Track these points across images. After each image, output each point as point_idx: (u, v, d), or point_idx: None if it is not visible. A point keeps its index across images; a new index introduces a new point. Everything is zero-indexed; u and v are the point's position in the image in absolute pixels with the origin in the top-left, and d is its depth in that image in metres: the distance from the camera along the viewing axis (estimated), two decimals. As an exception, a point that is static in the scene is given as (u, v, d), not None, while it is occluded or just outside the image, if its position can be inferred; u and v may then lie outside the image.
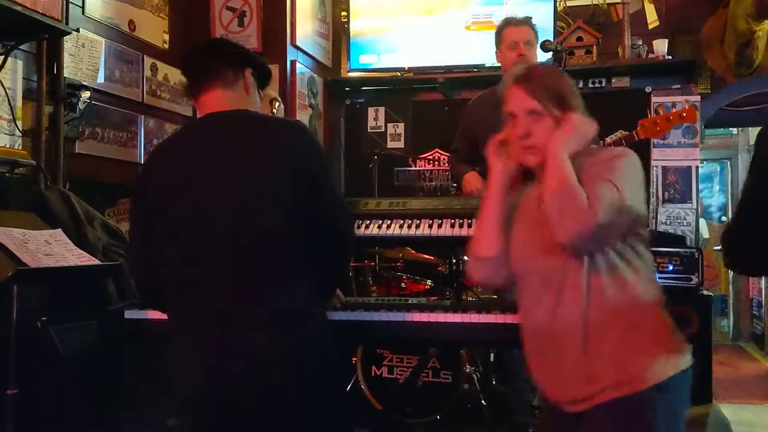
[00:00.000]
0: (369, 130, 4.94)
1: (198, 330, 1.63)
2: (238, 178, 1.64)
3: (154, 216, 1.68)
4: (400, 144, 4.90)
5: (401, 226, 2.55)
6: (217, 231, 1.62)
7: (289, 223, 1.64)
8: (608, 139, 2.90)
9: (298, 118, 4.10)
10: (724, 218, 7.63)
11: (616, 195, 1.48)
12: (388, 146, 4.86)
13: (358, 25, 4.77)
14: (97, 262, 2.51)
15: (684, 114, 2.88)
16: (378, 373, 3.26)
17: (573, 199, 1.47)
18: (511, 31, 3.07)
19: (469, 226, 2.47)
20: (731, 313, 7.54)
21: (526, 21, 3.10)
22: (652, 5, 4.39)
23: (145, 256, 1.74)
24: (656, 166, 4.40)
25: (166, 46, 3.83)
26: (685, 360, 1.56)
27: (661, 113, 2.90)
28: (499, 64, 3.22)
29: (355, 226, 2.43)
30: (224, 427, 1.60)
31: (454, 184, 3.26)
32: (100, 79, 3.24)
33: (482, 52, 4.34)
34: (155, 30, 3.76)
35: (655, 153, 4.39)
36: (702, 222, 6.43)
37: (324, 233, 1.71)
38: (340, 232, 1.78)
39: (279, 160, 1.66)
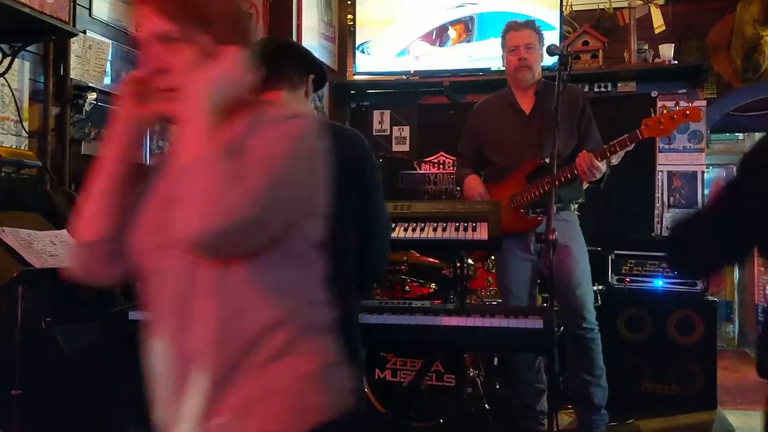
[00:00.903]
0: (374, 133, 4.94)
1: None
2: None
3: None
4: (405, 147, 4.89)
5: (406, 230, 2.56)
6: None
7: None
8: (613, 142, 2.89)
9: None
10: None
11: (283, 179, 1.05)
12: (393, 149, 4.86)
13: (363, 28, 4.77)
14: (101, 263, 2.50)
15: (688, 112, 2.86)
16: (381, 376, 3.26)
17: (215, 179, 0.98)
18: (512, 36, 3.08)
19: (474, 229, 2.47)
20: (736, 319, 7.50)
21: (528, 24, 3.11)
22: (659, 10, 4.39)
23: None
24: (662, 171, 4.40)
25: (173, 48, 3.84)
26: (340, 404, 1.13)
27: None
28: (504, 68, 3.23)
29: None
30: None
31: (458, 188, 3.27)
32: (107, 80, 3.25)
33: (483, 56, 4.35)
34: (162, 32, 3.76)
35: (661, 158, 4.39)
36: (707, 227, 6.40)
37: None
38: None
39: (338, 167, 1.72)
